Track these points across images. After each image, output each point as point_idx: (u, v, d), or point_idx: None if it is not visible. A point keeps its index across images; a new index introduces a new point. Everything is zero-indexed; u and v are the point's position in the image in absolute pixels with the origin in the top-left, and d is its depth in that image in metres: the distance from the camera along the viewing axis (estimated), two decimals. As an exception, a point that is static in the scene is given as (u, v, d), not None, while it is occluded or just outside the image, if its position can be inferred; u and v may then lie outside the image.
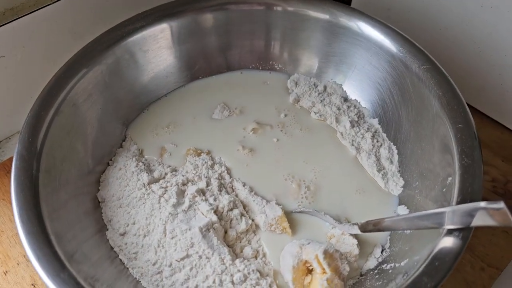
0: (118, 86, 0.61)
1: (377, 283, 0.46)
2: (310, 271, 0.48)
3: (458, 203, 0.44)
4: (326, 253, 0.46)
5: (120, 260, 0.51)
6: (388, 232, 0.53)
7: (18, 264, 0.58)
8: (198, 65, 0.66)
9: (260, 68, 0.68)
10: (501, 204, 0.36)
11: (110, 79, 0.59)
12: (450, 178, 0.47)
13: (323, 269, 0.46)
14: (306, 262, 0.48)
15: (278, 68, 0.68)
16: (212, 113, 0.64)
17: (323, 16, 0.61)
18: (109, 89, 0.60)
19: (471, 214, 0.39)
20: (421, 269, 0.41)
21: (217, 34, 0.64)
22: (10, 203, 0.61)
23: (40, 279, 0.56)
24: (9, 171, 0.65)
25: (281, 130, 0.62)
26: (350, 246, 0.50)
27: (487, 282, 0.55)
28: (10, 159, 0.67)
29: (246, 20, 0.63)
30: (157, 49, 0.63)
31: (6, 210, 0.62)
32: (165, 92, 0.66)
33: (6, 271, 0.57)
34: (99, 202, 0.56)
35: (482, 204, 0.38)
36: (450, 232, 0.42)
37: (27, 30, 0.62)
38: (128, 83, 0.62)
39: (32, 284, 0.56)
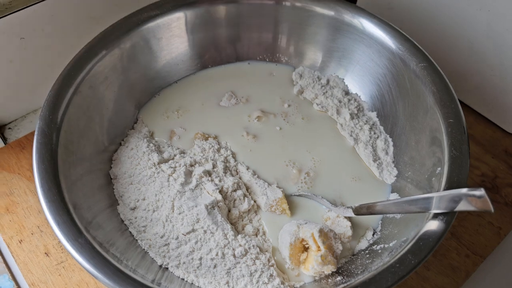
0: (132, 71, 0.64)
1: (367, 262, 0.50)
2: (306, 249, 0.52)
3: (445, 190, 0.48)
4: (321, 231, 0.50)
5: (130, 232, 0.55)
6: (380, 216, 0.57)
7: (32, 234, 0.61)
8: (208, 55, 0.69)
9: (267, 60, 0.72)
10: (481, 191, 0.40)
11: (125, 64, 0.63)
12: (439, 169, 0.51)
13: (318, 246, 0.50)
14: (302, 240, 0.52)
15: (284, 61, 0.71)
16: (220, 100, 0.67)
17: (329, 12, 0.64)
18: (124, 73, 0.63)
19: (455, 200, 0.43)
20: (407, 248, 0.44)
21: (228, 26, 0.68)
22: (26, 177, 0.65)
23: (52, 248, 0.60)
24: (24, 147, 0.69)
25: (284, 119, 0.65)
26: (344, 228, 0.54)
27: (470, 268, 0.59)
28: (25, 136, 0.71)
29: (256, 14, 0.67)
30: (170, 37, 0.66)
31: (22, 183, 0.66)
32: (176, 79, 0.69)
33: (21, 240, 0.61)
34: (111, 178, 0.59)
35: (465, 190, 0.41)
36: (435, 216, 0.46)
37: (46, 14, 0.66)
38: (142, 68, 0.65)
39: (45, 253, 0.60)
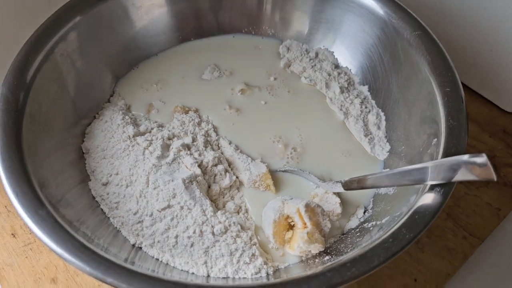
0: (109, 41, 0.60)
1: (357, 240, 0.46)
2: (291, 227, 0.48)
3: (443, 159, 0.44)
4: (307, 206, 0.46)
5: (102, 210, 0.51)
6: (371, 194, 0.53)
7: (-1, 213, 0.57)
8: (190, 26, 0.65)
9: (253, 32, 0.68)
10: (483, 157, 0.36)
11: (101, 32, 0.59)
12: (435, 140, 0.47)
13: (304, 223, 0.46)
14: (288, 217, 0.48)
15: (270, 34, 0.67)
16: (202, 73, 0.63)
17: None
18: (99, 43, 0.59)
19: (453, 168, 0.39)
20: (401, 222, 0.41)
21: None
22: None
23: (20, 229, 0.55)
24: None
25: (269, 93, 0.61)
26: (333, 204, 0.50)
27: (468, 250, 0.55)
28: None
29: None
30: (150, 6, 0.62)
31: (-11, 161, 0.61)
32: (156, 51, 0.65)
33: (-14, 220, 0.57)
34: (83, 153, 0.55)
35: (465, 157, 0.38)
36: (431, 188, 0.42)
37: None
38: (119, 38, 0.61)
39: (12, 234, 0.56)
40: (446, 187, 0.41)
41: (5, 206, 0.58)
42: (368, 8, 0.58)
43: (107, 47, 0.60)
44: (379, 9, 0.57)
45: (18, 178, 0.43)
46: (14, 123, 0.47)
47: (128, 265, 0.40)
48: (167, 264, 0.46)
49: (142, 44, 0.63)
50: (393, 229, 0.40)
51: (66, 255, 0.38)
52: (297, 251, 0.47)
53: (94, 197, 0.52)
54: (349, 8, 0.60)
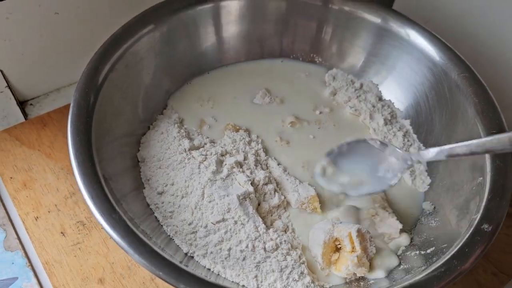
0: (167, 55, 0.63)
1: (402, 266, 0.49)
2: (337, 249, 0.51)
3: (489, 200, 0.47)
4: (359, 232, 0.49)
5: (155, 217, 0.53)
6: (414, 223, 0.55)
7: (49, 212, 0.59)
8: (245, 48, 0.68)
9: (301, 59, 0.71)
10: None
11: (162, 47, 0.62)
12: (480, 178, 0.50)
13: (353, 247, 0.48)
14: (336, 239, 0.50)
15: (317, 62, 0.70)
16: (253, 97, 0.66)
17: (375, 19, 0.64)
18: (159, 57, 0.62)
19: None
20: (451, 254, 0.43)
21: (275, 21, 0.67)
22: (45, 154, 0.63)
23: (69, 228, 0.58)
24: (46, 125, 0.67)
25: (317, 127, 0.64)
26: (393, 228, 0.52)
27: (497, 286, 0.58)
28: (48, 114, 0.69)
29: (303, 12, 0.66)
30: (209, 26, 0.65)
31: (41, 160, 0.64)
32: (209, 69, 0.68)
33: (37, 217, 0.59)
34: (138, 161, 0.58)
35: None
36: (480, 224, 0.45)
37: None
38: (177, 53, 0.64)
39: (62, 232, 0.58)
40: (494, 224, 0.44)
41: (55, 205, 0.60)
42: (420, 48, 0.61)
43: (165, 61, 0.63)
44: (430, 50, 0.61)
45: (92, 182, 0.45)
46: (86, 128, 0.49)
47: (183, 267, 0.42)
48: (218, 274, 0.49)
49: (197, 61, 0.66)
50: (444, 260, 0.43)
51: (139, 258, 0.41)
52: (343, 273, 0.49)
53: (148, 205, 0.54)
54: (401, 46, 0.63)
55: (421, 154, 0.50)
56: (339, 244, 0.50)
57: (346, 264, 0.48)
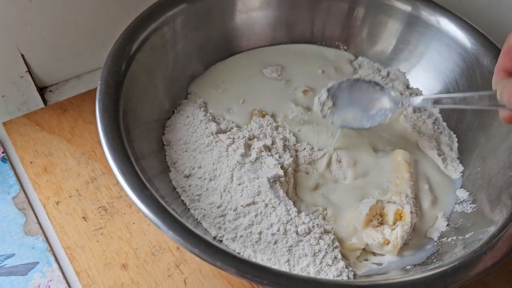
0: (193, 39, 0.62)
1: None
2: (377, 225, 0.50)
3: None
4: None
5: (182, 201, 0.51)
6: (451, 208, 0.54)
7: (70, 196, 0.58)
8: (274, 33, 0.67)
9: (329, 45, 0.69)
10: None
11: (186, 31, 0.61)
12: (518, 164, 0.49)
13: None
14: (382, 211, 0.50)
15: (346, 49, 0.69)
16: (277, 82, 0.64)
17: (406, 7, 0.63)
18: (183, 40, 0.61)
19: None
20: (498, 236, 0.42)
21: (304, 7, 0.66)
22: (66, 139, 0.62)
23: (91, 213, 0.56)
24: (66, 110, 0.66)
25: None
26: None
27: (503, 286, 0.56)
28: (68, 99, 0.68)
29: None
30: (237, 10, 0.64)
31: (62, 145, 0.63)
32: (233, 54, 0.67)
33: (58, 202, 0.57)
34: (164, 145, 0.56)
35: None
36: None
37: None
38: (208, 35, 0.63)
39: (83, 217, 0.56)
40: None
41: (77, 190, 0.58)
42: (451, 35, 0.60)
43: (194, 44, 0.62)
44: (461, 37, 0.59)
45: (122, 158, 0.44)
46: (115, 105, 0.48)
47: (217, 244, 0.41)
48: (248, 259, 0.47)
49: (225, 45, 0.65)
50: (490, 243, 0.41)
51: (174, 235, 0.39)
52: (379, 237, 0.48)
53: (174, 188, 0.52)
54: (431, 34, 0.62)
55: (410, 100, 0.53)
56: (382, 220, 0.49)
57: (397, 232, 0.48)
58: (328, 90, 0.56)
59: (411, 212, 0.48)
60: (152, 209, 0.40)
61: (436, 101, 0.50)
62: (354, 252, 0.50)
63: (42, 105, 0.68)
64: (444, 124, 0.61)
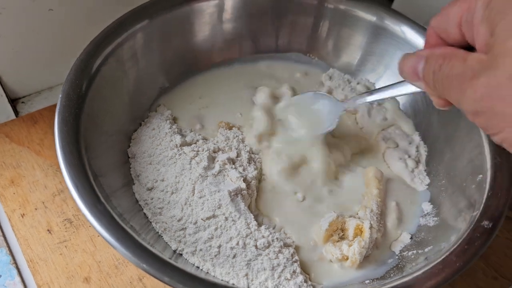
0: (160, 52, 0.62)
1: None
2: (336, 240, 0.50)
3: (489, 197, 0.45)
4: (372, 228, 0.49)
5: (144, 214, 0.51)
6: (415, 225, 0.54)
7: (36, 209, 0.58)
8: (242, 46, 0.67)
9: (296, 59, 0.69)
10: None
11: (154, 44, 0.61)
12: (480, 176, 0.48)
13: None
14: (343, 226, 0.51)
15: (314, 62, 0.69)
16: (247, 96, 0.64)
17: (371, 17, 0.63)
18: (151, 53, 0.61)
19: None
20: (450, 250, 0.41)
21: (270, 19, 0.66)
22: (35, 151, 0.62)
23: (56, 226, 0.56)
24: (36, 122, 0.66)
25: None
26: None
27: (498, 290, 0.56)
28: (39, 111, 0.68)
29: (298, 10, 0.65)
30: (203, 24, 0.64)
31: (30, 157, 0.62)
32: (202, 67, 0.66)
33: (23, 214, 0.57)
34: (129, 157, 0.56)
35: None
36: (479, 221, 0.43)
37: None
38: (169, 51, 0.63)
39: (48, 230, 0.56)
40: (494, 221, 0.43)
41: (43, 202, 0.58)
42: (415, 45, 0.60)
43: (157, 58, 0.62)
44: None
45: (78, 173, 0.44)
46: (74, 119, 0.48)
47: (172, 262, 0.41)
48: (207, 273, 0.47)
49: (194, 58, 0.65)
50: (443, 256, 0.41)
51: (123, 250, 0.39)
52: (336, 252, 0.48)
53: (137, 201, 0.52)
54: (396, 44, 0.62)
55: (348, 102, 0.56)
56: (343, 234, 0.49)
57: (354, 247, 0.47)
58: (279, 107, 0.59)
59: (370, 228, 0.48)
60: (103, 224, 0.40)
61: (370, 96, 0.52)
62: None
63: (13, 116, 0.67)
64: (417, 134, 0.61)
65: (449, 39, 0.35)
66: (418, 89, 0.41)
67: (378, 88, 0.52)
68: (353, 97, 0.56)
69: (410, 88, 0.45)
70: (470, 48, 0.33)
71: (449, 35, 0.35)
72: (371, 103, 0.60)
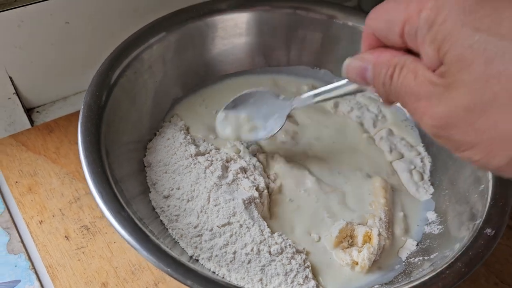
0: (175, 64, 0.64)
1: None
2: (347, 246, 0.52)
3: (491, 205, 0.48)
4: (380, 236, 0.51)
5: (161, 221, 0.53)
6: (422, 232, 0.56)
7: (53, 216, 0.59)
8: (252, 59, 0.69)
9: (301, 75, 0.72)
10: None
11: (170, 57, 0.63)
12: (482, 186, 0.51)
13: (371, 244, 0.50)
14: (352, 234, 0.52)
15: (320, 75, 0.72)
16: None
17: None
18: (167, 65, 0.63)
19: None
20: (455, 257, 0.44)
21: (280, 34, 0.68)
22: (51, 159, 0.64)
23: (73, 232, 0.58)
24: (52, 131, 0.68)
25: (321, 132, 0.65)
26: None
27: (499, 296, 0.58)
28: (54, 121, 0.70)
29: (308, 26, 0.67)
30: (217, 38, 0.66)
31: (46, 165, 0.64)
32: (214, 79, 0.69)
33: (41, 221, 0.59)
34: (145, 166, 0.58)
35: None
36: (483, 229, 0.45)
37: (93, 2, 0.66)
38: (185, 63, 0.65)
39: (66, 236, 0.58)
40: (496, 228, 0.45)
41: (60, 209, 0.60)
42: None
43: (177, 69, 0.64)
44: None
45: (101, 180, 0.46)
46: (96, 129, 0.50)
47: (190, 265, 0.43)
48: (223, 277, 0.49)
49: (206, 70, 0.67)
50: (448, 263, 0.43)
51: (148, 255, 0.41)
52: (346, 257, 0.50)
53: (154, 208, 0.54)
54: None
55: (296, 100, 0.54)
56: (352, 241, 0.51)
57: (364, 253, 0.49)
58: (225, 108, 0.58)
59: (378, 235, 0.50)
60: (128, 230, 0.42)
61: (316, 95, 0.51)
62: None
63: (29, 125, 0.69)
64: (421, 145, 0.64)
65: (389, 43, 0.34)
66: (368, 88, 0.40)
67: (331, 85, 0.49)
68: (302, 95, 0.53)
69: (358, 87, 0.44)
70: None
71: (389, 41, 0.34)
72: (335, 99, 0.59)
